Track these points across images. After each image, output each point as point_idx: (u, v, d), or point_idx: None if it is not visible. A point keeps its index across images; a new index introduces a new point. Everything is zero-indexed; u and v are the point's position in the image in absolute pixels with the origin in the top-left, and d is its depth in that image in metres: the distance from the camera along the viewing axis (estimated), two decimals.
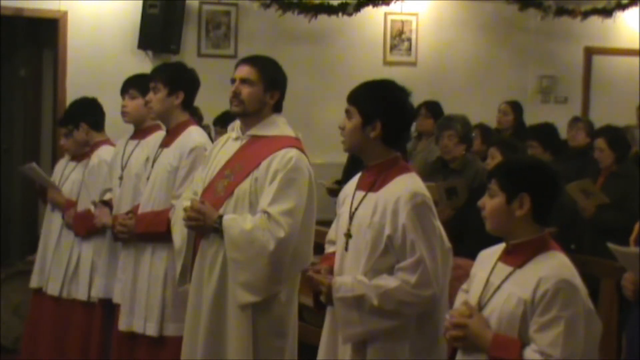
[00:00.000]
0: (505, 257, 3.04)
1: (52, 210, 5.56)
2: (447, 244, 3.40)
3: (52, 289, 5.35)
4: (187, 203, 3.94)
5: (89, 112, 5.43)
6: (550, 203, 3.00)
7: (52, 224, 5.51)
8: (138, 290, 4.50)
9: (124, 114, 4.96)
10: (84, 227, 5.16)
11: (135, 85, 4.90)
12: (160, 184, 4.49)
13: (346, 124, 3.45)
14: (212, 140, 4.75)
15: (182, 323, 4.38)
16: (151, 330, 4.43)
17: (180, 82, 4.54)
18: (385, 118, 3.39)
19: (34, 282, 5.58)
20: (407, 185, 3.36)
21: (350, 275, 3.37)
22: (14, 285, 6.57)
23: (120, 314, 4.59)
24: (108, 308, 4.93)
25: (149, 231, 4.47)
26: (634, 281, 3.38)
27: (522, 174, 3.01)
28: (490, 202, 3.02)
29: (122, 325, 4.55)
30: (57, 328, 5.34)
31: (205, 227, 3.89)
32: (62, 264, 5.32)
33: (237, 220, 3.83)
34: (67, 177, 5.56)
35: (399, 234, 3.28)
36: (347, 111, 3.46)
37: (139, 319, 4.47)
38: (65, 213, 5.36)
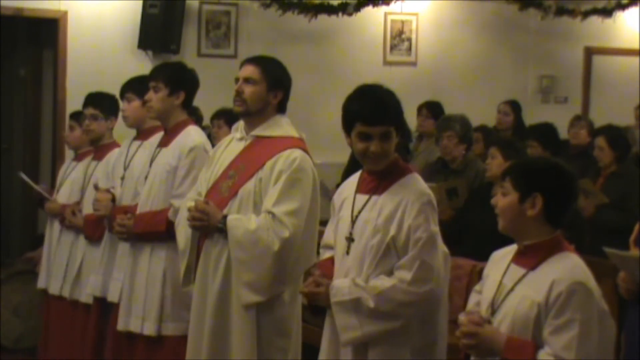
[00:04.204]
0: (518, 258, 3.02)
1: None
2: (445, 249, 3.41)
3: (54, 289, 5.39)
4: (192, 203, 3.93)
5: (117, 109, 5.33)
6: (564, 206, 2.98)
7: (53, 226, 5.55)
8: (136, 290, 4.48)
9: (124, 118, 4.93)
10: (98, 231, 5.04)
11: (131, 88, 4.86)
12: (159, 183, 4.48)
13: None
14: (210, 140, 4.74)
15: (180, 323, 4.38)
16: (149, 330, 4.42)
17: (181, 82, 4.53)
18: (400, 130, 3.43)
19: (41, 283, 5.59)
20: (413, 186, 3.38)
21: (347, 278, 3.35)
22: (14, 285, 6.56)
23: (118, 313, 4.58)
24: (104, 307, 4.90)
25: (147, 231, 4.45)
26: (627, 279, 3.38)
27: (536, 175, 2.98)
28: (503, 200, 3.00)
29: (120, 325, 4.54)
30: (63, 327, 5.33)
31: (209, 227, 3.89)
32: (62, 264, 5.34)
33: (241, 221, 3.83)
34: (68, 175, 5.56)
35: (404, 234, 3.28)
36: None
37: (137, 318, 4.46)
38: (65, 212, 5.33)
